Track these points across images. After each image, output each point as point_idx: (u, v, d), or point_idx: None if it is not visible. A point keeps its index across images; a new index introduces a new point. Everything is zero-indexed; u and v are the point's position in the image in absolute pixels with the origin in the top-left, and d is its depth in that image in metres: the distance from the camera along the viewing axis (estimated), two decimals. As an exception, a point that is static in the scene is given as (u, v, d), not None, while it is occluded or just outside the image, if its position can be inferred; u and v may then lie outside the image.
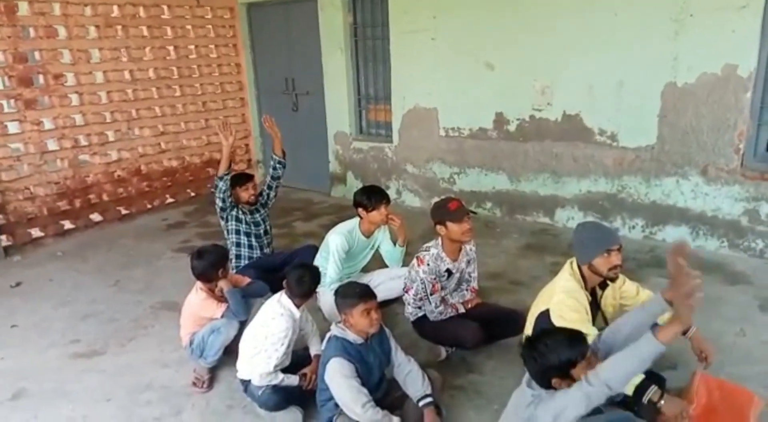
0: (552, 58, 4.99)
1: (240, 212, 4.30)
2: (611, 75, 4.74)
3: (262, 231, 4.40)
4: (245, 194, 4.29)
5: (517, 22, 5.10)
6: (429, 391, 2.66)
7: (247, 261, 4.28)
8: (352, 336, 2.60)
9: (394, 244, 3.89)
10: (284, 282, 2.91)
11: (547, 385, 2.10)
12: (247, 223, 4.31)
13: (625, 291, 2.82)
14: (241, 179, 4.32)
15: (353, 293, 2.60)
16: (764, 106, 4.28)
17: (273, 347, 2.79)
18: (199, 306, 3.23)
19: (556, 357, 2.03)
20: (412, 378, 2.68)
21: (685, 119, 4.50)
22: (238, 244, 4.30)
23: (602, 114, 4.88)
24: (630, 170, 4.86)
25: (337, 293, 2.66)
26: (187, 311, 3.31)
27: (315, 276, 2.94)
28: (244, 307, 3.15)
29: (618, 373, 1.87)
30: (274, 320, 2.84)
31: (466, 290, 3.47)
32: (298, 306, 2.89)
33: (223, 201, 4.18)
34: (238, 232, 4.28)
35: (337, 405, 2.58)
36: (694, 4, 4.27)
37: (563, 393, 2.01)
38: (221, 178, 4.10)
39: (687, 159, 4.58)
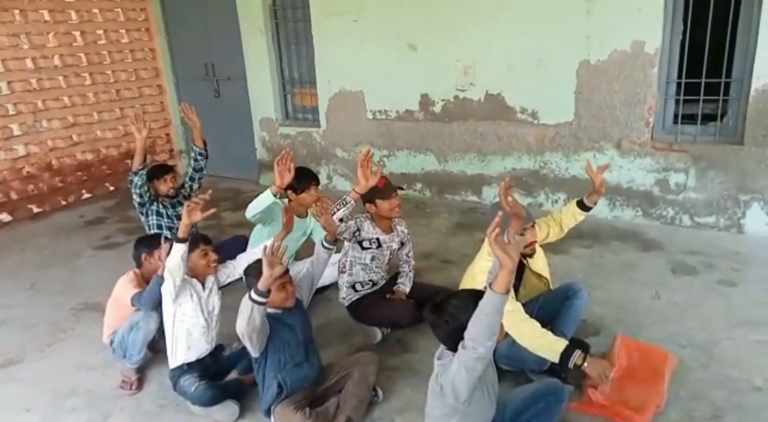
0: (473, 38, 5.06)
1: (160, 206, 4.15)
2: (530, 54, 4.87)
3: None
4: (164, 187, 4.15)
5: (439, 4, 5.12)
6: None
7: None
8: (271, 310, 2.54)
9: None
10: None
11: (456, 348, 2.11)
12: (168, 217, 4.17)
13: (539, 267, 2.97)
14: (158, 171, 4.16)
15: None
16: (670, 80, 4.53)
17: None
18: (118, 286, 3.13)
19: (465, 317, 2.01)
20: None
21: (599, 95, 4.70)
22: (159, 226, 4.15)
23: (523, 92, 5.02)
24: (551, 146, 5.03)
25: (247, 273, 2.60)
26: (111, 300, 3.18)
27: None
28: (155, 298, 2.90)
29: (476, 331, 1.92)
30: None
31: (410, 270, 3.55)
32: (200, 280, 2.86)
33: (141, 196, 4.02)
34: (159, 227, 4.13)
35: (278, 394, 2.54)
36: (603, -18, 4.44)
37: (452, 359, 2.06)
38: (136, 173, 3.94)
39: (602, 133, 4.79)
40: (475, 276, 2.73)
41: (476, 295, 2.03)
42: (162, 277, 2.94)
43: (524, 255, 2.82)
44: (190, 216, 2.66)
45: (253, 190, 6.49)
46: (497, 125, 5.21)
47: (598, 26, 4.52)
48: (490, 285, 1.89)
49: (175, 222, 4.16)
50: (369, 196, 3.20)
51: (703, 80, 4.37)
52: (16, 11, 5.50)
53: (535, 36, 4.79)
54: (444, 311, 2.10)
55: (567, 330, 2.85)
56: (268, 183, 6.58)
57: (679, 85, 4.51)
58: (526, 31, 4.82)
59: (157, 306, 2.86)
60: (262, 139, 6.60)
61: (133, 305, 2.99)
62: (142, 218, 4.17)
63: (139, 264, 3.19)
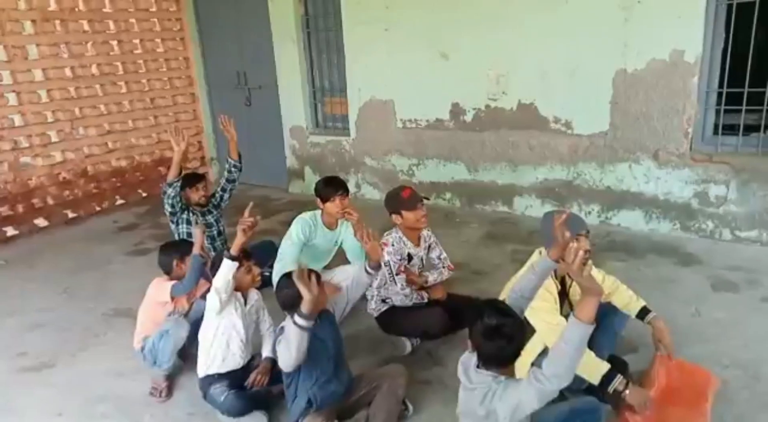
0: (506, 47, 5.01)
1: (191, 214, 4.17)
2: (564, 63, 4.79)
3: (215, 232, 4.28)
4: (195, 195, 4.17)
5: (471, 11, 5.08)
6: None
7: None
8: (302, 322, 2.49)
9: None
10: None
11: (497, 370, 2.04)
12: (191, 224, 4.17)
13: (591, 265, 2.85)
14: (191, 180, 4.19)
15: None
16: (710, 90, 4.40)
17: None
18: (152, 291, 3.15)
19: (522, 339, 2.00)
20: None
21: (636, 105, 4.59)
22: (189, 234, 4.12)
23: (556, 102, 4.93)
24: (585, 157, 4.93)
25: (284, 305, 2.49)
26: (144, 304, 3.19)
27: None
28: (195, 276, 3.02)
29: (561, 366, 1.84)
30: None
31: (443, 267, 3.45)
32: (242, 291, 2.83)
33: (173, 205, 4.05)
34: (189, 236, 4.13)
35: (307, 408, 2.51)
36: (641, -10, 4.34)
37: (515, 386, 1.96)
38: (170, 184, 3.96)
39: (639, 144, 4.67)
40: None
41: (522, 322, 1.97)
42: (200, 256, 2.97)
43: None
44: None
45: (282, 197, 6.55)
46: (529, 135, 5.13)
47: (635, 34, 4.42)
48: (574, 314, 1.80)
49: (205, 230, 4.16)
50: (394, 207, 3.14)
51: (746, 90, 4.23)
52: (57, 22, 5.64)
53: (570, 44, 4.71)
54: (502, 334, 1.95)
55: (606, 348, 2.74)
56: (297, 191, 6.67)
57: (720, 94, 4.38)
58: (561, 39, 4.74)
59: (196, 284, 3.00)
60: (292, 147, 6.63)
61: (172, 299, 3.04)
62: (172, 226, 4.21)
63: (169, 271, 3.19)
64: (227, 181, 4.37)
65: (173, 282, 3.09)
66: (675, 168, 4.58)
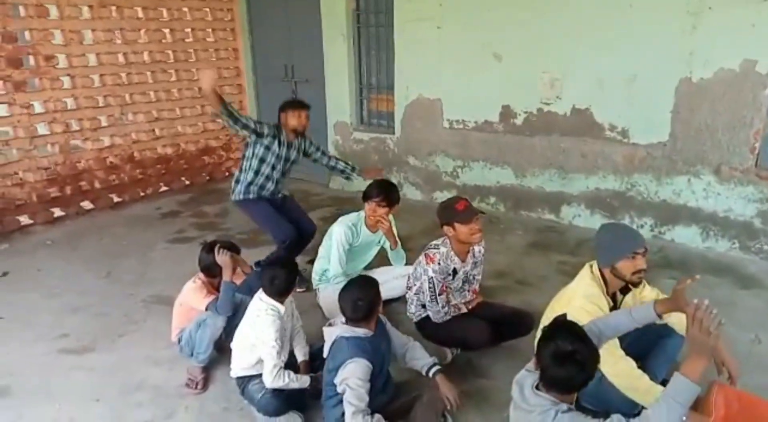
0: (562, 49, 4.83)
1: (277, 143, 3.98)
2: (624, 69, 4.59)
3: (288, 167, 4.15)
4: (295, 120, 3.98)
5: (527, 11, 4.92)
6: (435, 360, 2.71)
7: (256, 192, 4.06)
8: (361, 331, 2.47)
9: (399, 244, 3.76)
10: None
11: (559, 395, 1.93)
12: (277, 157, 4.02)
13: (645, 296, 2.69)
14: (294, 103, 4.07)
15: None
16: (782, 104, 4.15)
17: (267, 344, 2.64)
18: (187, 295, 3.13)
19: (594, 368, 1.88)
20: (413, 351, 2.73)
21: (700, 116, 4.36)
22: (256, 172, 4.02)
23: (613, 109, 4.73)
24: (641, 167, 4.72)
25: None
26: (178, 300, 3.20)
27: (290, 273, 2.78)
28: (230, 304, 2.99)
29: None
30: (259, 318, 2.70)
31: (468, 291, 3.33)
32: (281, 302, 2.75)
33: (245, 126, 3.85)
34: (262, 161, 4.00)
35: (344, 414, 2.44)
36: (713, -4, 4.12)
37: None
38: (217, 115, 3.82)
39: (700, 157, 4.44)
40: (571, 300, 2.51)
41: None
42: (232, 283, 2.93)
43: (632, 284, 2.56)
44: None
45: (323, 193, 6.51)
46: (582, 142, 4.95)
47: (703, 42, 4.20)
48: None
49: (280, 163, 4.04)
50: (447, 219, 3.00)
51: (822, 105, 3.97)
52: (113, 8, 5.71)
53: (631, 50, 4.51)
54: (574, 360, 1.83)
55: (659, 372, 2.60)
56: (337, 187, 6.62)
57: (792, 108, 4.13)
58: (621, 44, 4.54)
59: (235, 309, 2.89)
60: (335, 142, 6.58)
61: (207, 310, 3.00)
62: (248, 151, 4.03)
63: (213, 275, 3.14)
64: (333, 161, 4.34)
65: (207, 299, 3.05)
66: (738, 184, 4.34)
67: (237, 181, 4.11)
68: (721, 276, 4.15)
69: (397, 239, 3.77)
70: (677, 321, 2.67)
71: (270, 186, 4.11)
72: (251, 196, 4.09)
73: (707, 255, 4.50)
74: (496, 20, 5.10)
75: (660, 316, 2.21)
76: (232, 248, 3.12)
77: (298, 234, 4.03)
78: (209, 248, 3.11)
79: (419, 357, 2.74)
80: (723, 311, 3.55)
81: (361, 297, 2.47)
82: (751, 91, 4.13)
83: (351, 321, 2.50)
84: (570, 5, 4.70)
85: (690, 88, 4.35)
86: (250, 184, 4.06)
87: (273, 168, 4.05)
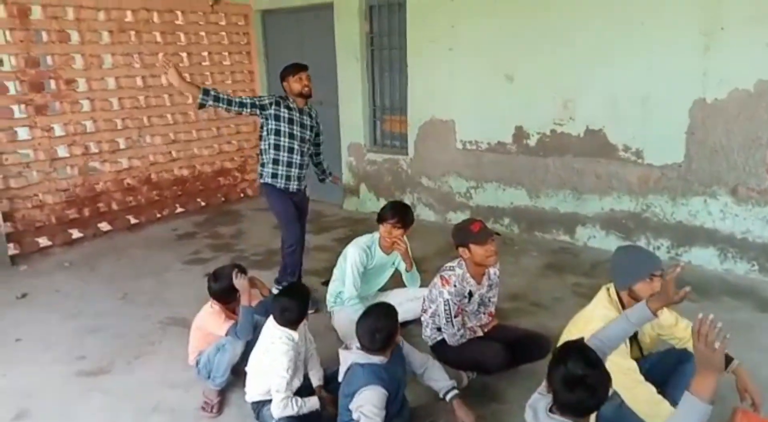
0: (575, 70, 4.86)
1: (286, 109, 3.87)
2: (637, 89, 4.59)
3: (308, 136, 4.02)
4: (298, 85, 3.87)
5: (539, 33, 4.96)
6: (454, 383, 2.67)
7: (283, 176, 3.95)
8: (377, 359, 2.46)
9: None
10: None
11: (573, 418, 1.91)
12: (290, 122, 3.87)
13: (663, 320, 2.65)
14: (293, 67, 3.89)
15: None
16: (798, 124, 4.12)
17: (278, 374, 2.64)
18: (206, 320, 3.14)
19: (605, 394, 1.86)
20: (432, 372, 2.71)
21: (715, 136, 4.35)
22: (276, 146, 3.89)
23: (627, 130, 4.73)
24: (656, 188, 4.70)
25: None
26: (195, 325, 3.21)
27: (301, 302, 2.76)
28: (250, 328, 3.00)
29: None
30: (273, 345, 2.70)
31: (483, 314, 3.31)
32: (294, 329, 2.75)
33: (253, 105, 3.80)
34: (278, 132, 3.88)
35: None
36: (725, 16, 4.12)
37: None
38: (216, 99, 3.72)
39: (716, 178, 4.41)
40: (587, 323, 2.49)
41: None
42: (250, 307, 2.94)
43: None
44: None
45: (336, 213, 6.54)
46: (596, 162, 4.94)
47: (717, 63, 4.20)
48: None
49: (298, 129, 3.90)
50: (462, 240, 2.99)
51: (839, 125, 3.94)
52: (132, 32, 5.85)
53: (644, 70, 4.52)
54: (585, 385, 1.81)
55: (679, 398, 2.52)
56: (351, 208, 6.65)
57: (808, 129, 4.10)
58: (634, 64, 4.55)
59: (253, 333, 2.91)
60: (349, 163, 6.63)
61: (227, 335, 3.01)
62: (262, 131, 3.96)
63: (226, 301, 3.14)
64: (319, 151, 4.28)
65: (227, 323, 3.05)
66: (755, 205, 4.29)
67: (262, 165, 4.03)
68: (740, 299, 4.09)
69: (412, 261, 3.77)
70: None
71: (296, 159, 3.95)
72: (279, 185, 3.97)
73: (726, 277, 4.45)
74: (507, 42, 5.15)
75: (655, 314, 2.17)
76: (240, 269, 3.10)
77: (302, 237, 4.10)
78: (215, 277, 3.12)
79: (438, 379, 2.72)
80: (743, 335, 3.55)
81: (380, 328, 2.45)
82: (765, 111, 4.11)
83: (367, 350, 2.49)
84: (582, 26, 4.73)
85: (704, 109, 4.34)
86: (276, 162, 3.93)
87: (291, 137, 3.89)
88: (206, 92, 3.75)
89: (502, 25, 5.14)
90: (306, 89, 3.91)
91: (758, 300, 4.06)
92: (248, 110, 3.86)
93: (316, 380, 2.91)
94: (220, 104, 3.78)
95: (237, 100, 3.84)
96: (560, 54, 4.89)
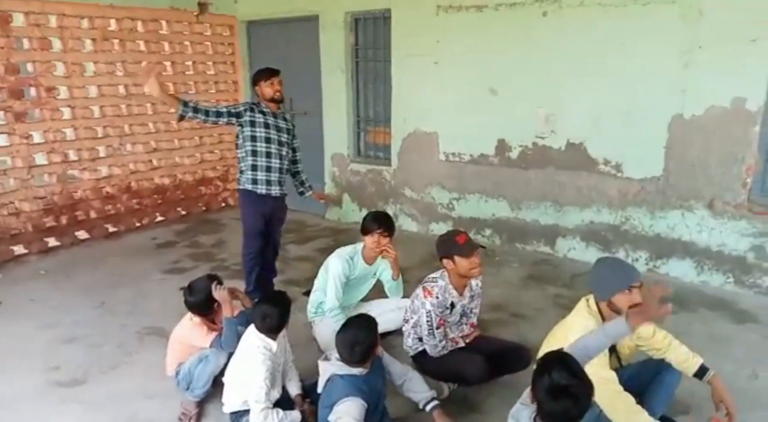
0: (557, 85, 4.93)
1: (260, 113, 3.88)
2: (618, 105, 4.68)
3: (285, 140, 4.02)
4: (270, 90, 3.90)
5: (522, 48, 5.04)
6: (434, 394, 2.68)
7: (263, 181, 3.95)
8: (357, 370, 2.45)
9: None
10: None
11: None
12: (266, 126, 3.88)
13: (641, 331, 2.68)
14: (265, 72, 3.94)
15: None
16: (772, 140, 4.23)
17: (256, 383, 2.61)
18: (188, 333, 3.09)
19: (586, 406, 1.88)
20: (412, 383, 2.71)
21: (693, 152, 4.44)
22: (253, 152, 3.89)
23: (607, 144, 4.80)
24: (634, 201, 4.77)
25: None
26: (175, 337, 3.16)
27: (282, 310, 2.74)
28: (235, 339, 2.96)
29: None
30: (251, 354, 2.69)
31: (465, 325, 3.31)
32: (273, 338, 2.73)
33: (229, 113, 3.81)
34: (253, 138, 3.87)
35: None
36: (703, 36, 4.23)
37: None
38: (182, 118, 3.75)
39: (693, 192, 4.50)
40: (567, 334, 2.50)
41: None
42: (234, 319, 2.91)
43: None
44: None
45: (319, 223, 6.52)
46: (577, 175, 5.00)
47: (695, 80, 4.30)
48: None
49: (274, 133, 3.92)
50: (447, 252, 3.00)
51: (811, 142, 4.05)
52: (116, 41, 5.82)
53: (625, 86, 4.60)
54: (568, 394, 1.84)
55: (657, 408, 2.58)
56: (334, 218, 6.65)
57: (781, 145, 4.21)
58: (615, 81, 4.64)
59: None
60: (332, 174, 6.63)
61: (211, 347, 2.98)
62: (239, 139, 3.96)
63: (203, 313, 3.09)
64: (297, 160, 4.25)
65: (210, 335, 3.02)
66: (731, 219, 4.38)
67: (241, 172, 4.02)
68: (716, 311, 4.15)
69: (400, 269, 3.77)
70: (674, 357, 2.67)
71: (275, 163, 3.95)
72: (260, 191, 3.96)
73: (702, 289, 4.52)
74: (491, 56, 5.22)
75: (633, 330, 2.18)
76: (215, 280, 3.07)
77: (265, 247, 4.14)
78: (189, 290, 3.07)
79: (418, 390, 2.72)
80: (719, 347, 3.60)
81: (359, 341, 2.45)
82: (741, 127, 4.21)
83: (347, 361, 2.48)
84: (565, 43, 4.82)
85: (683, 125, 4.43)
86: (255, 168, 3.92)
87: (268, 140, 3.90)
88: (186, 104, 3.74)
89: (487, 41, 5.21)
90: (278, 94, 3.96)
91: (733, 312, 4.13)
92: (224, 119, 3.87)
93: (294, 389, 2.88)
94: (199, 115, 3.79)
95: (213, 110, 3.85)
96: (543, 69, 4.97)
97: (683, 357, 2.66)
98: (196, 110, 3.76)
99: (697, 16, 4.23)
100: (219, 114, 3.85)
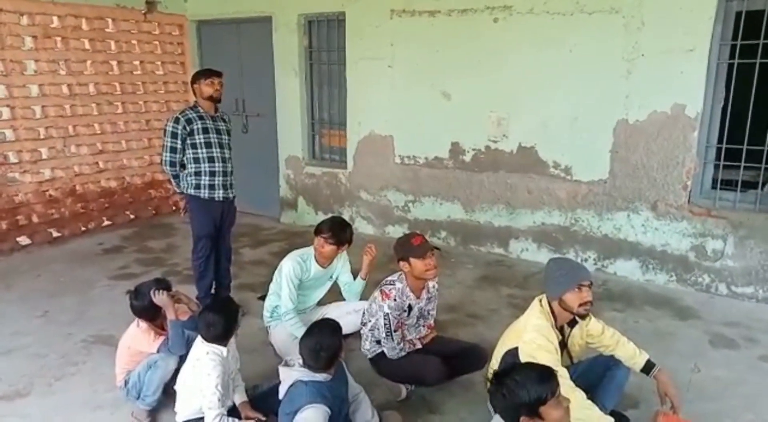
0: (508, 90, 5.04)
1: (197, 120, 3.90)
2: (566, 110, 4.82)
3: (225, 139, 4.07)
4: (209, 88, 3.92)
5: (475, 54, 5.13)
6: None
7: (207, 186, 3.98)
8: (321, 376, 2.43)
9: (354, 277, 3.74)
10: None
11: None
12: (204, 131, 3.92)
13: (591, 329, 2.78)
14: (206, 72, 3.98)
15: None
16: (710, 145, 4.44)
17: (209, 390, 2.55)
18: (134, 338, 2.99)
19: (526, 393, 1.94)
20: (360, 405, 2.72)
21: (636, 155, 4.62)
22: (196, 159, 3.94)
23: (557, 147, 4.94)
24: (583, 203, 4.92)
25: None
26: (123, 344, 3.05)
27: (227, 317, 2.67)
28: (182, 342, 2.88)
29: None
30: (200, 360, 2.62)
31: (422, 326, 3.34)
32: (223, 345, 2.68)
33: (183, 151, 3.92)
34: (194, 146, 3.92)
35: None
36: (645, 45, 4.41)
37: None
38: (176, 178, 3.97)
39: (638, 194, 4.68)
40: (521, 333, 2.56)
41: (541, 371, 1.90)
42: (178, 321, 2.84)
43: (579, 316, 2.64)
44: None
45: (273, 227, 6.44)
46: (528, 178, 5.13)
47: (638, 86, 4.48)
48: None
49: (214, 136, 3.96)
50: (403, 254, 3.03)
51: (745, 147, 4.27)
52: (59, 39, 5.59)
53: (572, 92, 4.75)
54: (503, 384, 1.96)
55: (608, 402, 2.67)
56: (289, 221, 6.58)
57: (719, 150, 4.42)
58: (563, 86, 4.78)
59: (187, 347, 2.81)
60: (287, 176, 6.57)
61: (159, 352, 2.89)
62: (188, 152, 3.96)
63: (151, 318, 3.00)
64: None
65: (157, 341, 2.93)
66: (673, 220, 4.58)
67: (187, 176, 4.01)
68: (660, 308, 4.33)
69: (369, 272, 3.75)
70: (622, 354, 2.77)
71: (219, 167, 3.99)
72: (203, 196, 4.00)
73: (647, 287, 4.70)
74: (444, 61, 5.29)
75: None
76: (162, 284, 2.98)
77: (216, 251, 4.17)
78: (135, 294, 2.98)
79: (363, 418, 2.72)
80: (663, 342, 3.75)
81: (324, 347, 2.41)
82: (681, 132, 4.41)
83: (310, 367, 2.45)
84: (514, 49, 4.93)
85: (627, 129, 4.60)
86: (198, 174, 3.96)
87: (208, 146, 3.95)
88: (179, 192, 4.09)
89: (440, 46, 5.27)
90: (217, 93, 3.98)
91: (676, 309, 4.31)
92: (184, 153, 3.94)
93: (239, 398, 2.82)
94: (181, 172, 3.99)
95: (177, 161, 3.94)
96: (494, 75, 5.07)
97: (631, 354, 2.76)
98: (177, 176, 4.00)
99: (639, 25, 4.41)
100: (183, 150, 3.93)
